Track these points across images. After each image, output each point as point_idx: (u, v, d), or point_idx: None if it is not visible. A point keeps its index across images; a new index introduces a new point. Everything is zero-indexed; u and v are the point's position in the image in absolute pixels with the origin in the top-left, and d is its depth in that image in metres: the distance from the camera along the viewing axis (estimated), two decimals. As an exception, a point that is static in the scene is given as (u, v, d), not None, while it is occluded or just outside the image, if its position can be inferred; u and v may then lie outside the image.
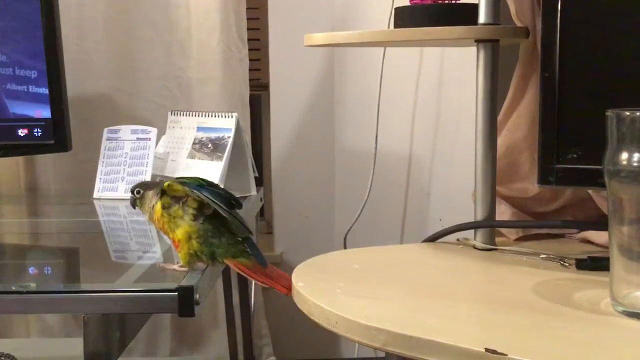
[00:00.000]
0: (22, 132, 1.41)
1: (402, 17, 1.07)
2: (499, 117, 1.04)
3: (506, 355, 0.60)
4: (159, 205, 0.86)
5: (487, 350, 0.61)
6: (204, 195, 0.83)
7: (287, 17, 1.74)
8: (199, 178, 0.87)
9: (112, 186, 1.37)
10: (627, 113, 0.68)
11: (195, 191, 0.83)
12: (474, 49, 0.99)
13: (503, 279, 0.88)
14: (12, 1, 1.38)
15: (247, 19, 1.67)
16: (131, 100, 1.65)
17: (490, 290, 0.85)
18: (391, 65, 1.53)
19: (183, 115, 1.40)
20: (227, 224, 0.85)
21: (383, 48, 1.50)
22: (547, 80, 0.88)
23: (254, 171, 1.37)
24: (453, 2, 1.06)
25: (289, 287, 0.83)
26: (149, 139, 1.37)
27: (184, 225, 0.84)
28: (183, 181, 0.86)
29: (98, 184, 1.38)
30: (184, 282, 0.80)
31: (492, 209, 0.99)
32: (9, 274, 0.99)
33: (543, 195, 1.07)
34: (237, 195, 1.31)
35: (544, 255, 0.93)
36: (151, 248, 1.10)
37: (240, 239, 0.85)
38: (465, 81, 1.18)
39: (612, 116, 0.69)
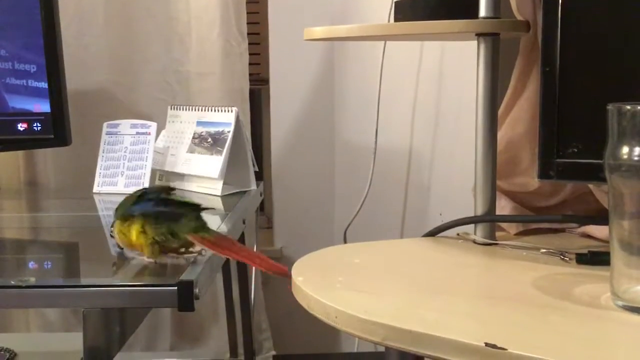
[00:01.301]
0: (21, 127, 1.40)
1: (403, 11, 1.07)
2: (500, 112, 1.04)
3: (506, 349, 0.60)
4: (116, 229, 0.87)
5: (487, 344, 0.61)
6: (134, 212, 0.85)
7: (287, 11, 1.73)
8: (137, 192, 0.89)
9: (111, 180, 1.37)
10: (628, 107, 0.67)
11: (125, 214, 0.86)
12: (474, 43, 0.99)
13: (503, 273, 0.88)
14: (12, -5, 1.38)
15: (247, 13, 1.67)
16: (131, 95, 1.65)
17: (490, 284, 0.85)
18: (391, 59, 1.52)
19: (183, 109, 1.40)
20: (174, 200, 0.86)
21: (383, 42, 1.50)
22: (547, 74, 0.87)
23: (253, 166, 1.37)
24: (453, -5, 1.06)
25: (255, 260, 0.84)
26: (149, 133, 1.37)
27: (134, 226, 0.84)
28: (117, 209, 0.88)
29: (98, 179, 1.38)
30: (184, 277, 0.80)
31: (493, 203, 0.99)
32: (8, 269, 0.99)
33: (543, 190, 1.07)
34: (237, 191, 1.33)
35: (545, 250, 0.93)
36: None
37: (200, 212, 0.86)
38: (465, 75, 1.18)
39: (613, 110, 0.69)
